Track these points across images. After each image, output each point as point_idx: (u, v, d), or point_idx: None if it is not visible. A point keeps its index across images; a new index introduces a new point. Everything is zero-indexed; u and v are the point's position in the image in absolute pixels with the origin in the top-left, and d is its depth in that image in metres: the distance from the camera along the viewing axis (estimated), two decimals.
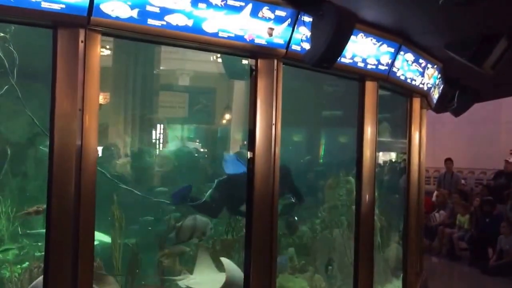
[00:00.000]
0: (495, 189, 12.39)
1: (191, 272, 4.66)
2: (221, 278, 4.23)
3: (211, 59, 6.34)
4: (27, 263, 3.94)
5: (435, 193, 13.34)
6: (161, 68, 7.18)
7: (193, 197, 4.91)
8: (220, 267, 4.57)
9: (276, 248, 3.96)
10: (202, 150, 7.45)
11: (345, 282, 5.06)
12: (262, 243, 3.82)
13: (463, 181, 14.46)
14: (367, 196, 4.78)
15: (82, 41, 2.99)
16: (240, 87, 6.85)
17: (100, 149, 5.59)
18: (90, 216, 3.03)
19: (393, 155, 8.09)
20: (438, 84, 6.28)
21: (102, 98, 5.64)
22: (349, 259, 5.09)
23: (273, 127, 3.85)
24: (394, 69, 4.88)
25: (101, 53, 5.76)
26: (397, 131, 6.46)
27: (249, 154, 3.83)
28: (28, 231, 4.06)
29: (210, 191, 5.01)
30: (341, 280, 5.23)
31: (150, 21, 3.17)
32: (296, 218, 5.47)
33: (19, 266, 3.95)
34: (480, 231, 10.81)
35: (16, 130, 4.20)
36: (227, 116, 7.83)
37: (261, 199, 3.80)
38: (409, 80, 5.27)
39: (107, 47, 5.96)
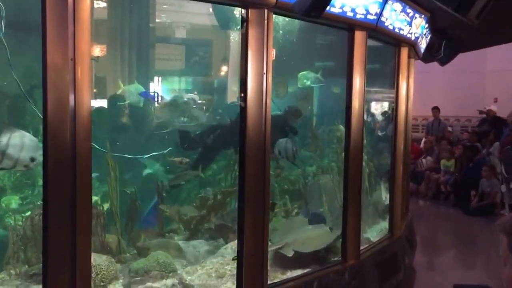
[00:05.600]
0: (480, 135, 12.39)
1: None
2: None
3: (207, 11, 6.13)
4: (29, 212, 3.89)
5: (423, 140, 13.32)
6: (157, 20, 6.96)
7: None
8: None
9: (269, 193, 3.89)
10: (199, 101, 7.32)
11: (335, 223, 5.05)
12: (255, 189, 3.74)
13: (449, 128, 14.42)
14: (355, 143, 4.69)
15: None
16: (236, 38, 6.66)
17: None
18: (86, 168, 2.91)
19: (382, 104, 7.98)
20: (425, 34, 6.09)
21: (99, 50, 5.45)
22: (338, 202, 5.06)
23: (264, 76, 3.69)
24: (383, 19, 4.68)
25: (97, 5, 5.50)
26: (386, 81, 6.32)
27: (241, 103, 3.70)
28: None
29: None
30: (331, 222, 5.22)
31: None
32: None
33: (22, 214, 3.89)
34: (463, 175, 10.88)
35: (14, 82, 4.05)
36: (224, 68, 7.65)
37: (254, 146, 3.70)
38: (397, 30, 5.08)
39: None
